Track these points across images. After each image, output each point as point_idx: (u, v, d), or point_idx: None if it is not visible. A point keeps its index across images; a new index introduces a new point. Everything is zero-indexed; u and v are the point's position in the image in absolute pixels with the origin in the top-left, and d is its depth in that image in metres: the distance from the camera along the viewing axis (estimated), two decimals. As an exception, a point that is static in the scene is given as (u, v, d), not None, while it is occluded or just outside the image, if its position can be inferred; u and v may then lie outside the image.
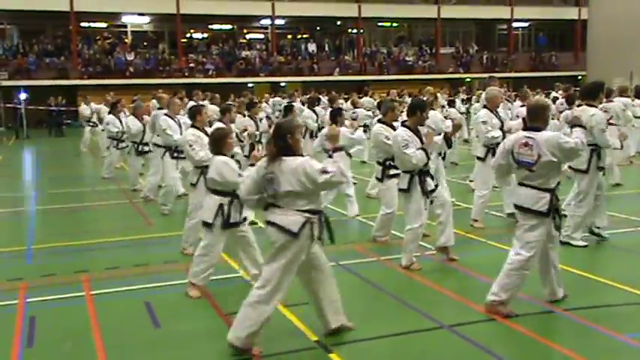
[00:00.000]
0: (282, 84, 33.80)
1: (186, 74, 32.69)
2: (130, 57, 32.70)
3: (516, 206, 5.34)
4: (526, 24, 42.49)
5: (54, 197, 11.99)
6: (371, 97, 21.50)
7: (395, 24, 40.39)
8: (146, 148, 11.43)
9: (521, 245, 5.23)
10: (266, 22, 36.28)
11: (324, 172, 4.46)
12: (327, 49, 37.63)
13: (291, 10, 34.88)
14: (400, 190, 6.68)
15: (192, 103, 14.65)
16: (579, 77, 38.23)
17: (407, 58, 37.86)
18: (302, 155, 4.65)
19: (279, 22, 36.23)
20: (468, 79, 38.22)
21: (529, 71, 38.58)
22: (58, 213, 10.66)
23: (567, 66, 40.14)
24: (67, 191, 12.63)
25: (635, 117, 13.49)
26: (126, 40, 34.65)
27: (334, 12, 36.14)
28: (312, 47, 36.91)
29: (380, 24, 39.67)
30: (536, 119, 5.33)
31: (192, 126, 7.21)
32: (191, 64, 33.43)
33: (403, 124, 6.65)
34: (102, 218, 10.39)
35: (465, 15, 38.54)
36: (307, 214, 4.56)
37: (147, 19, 35.19)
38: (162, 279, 6.58)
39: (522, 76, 36.99)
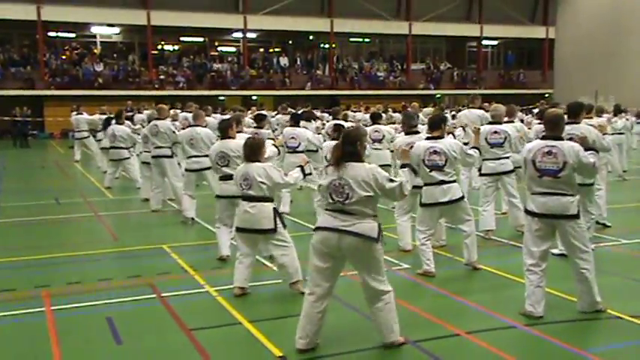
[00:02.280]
0: (254, 97, 33.76)
1: (157, 86, 32.43)
2: (99, 68, 32.34)
3: (552, 215, 5.43)
4: (495, 42, 43.23)
5: (14, 210, 11.63)
6: (358, 111, 21.32)
7: (367, 39, 40.74)
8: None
9: (583, 247, 5.46)
10: (238, 35, 36.26)
11: (391, 180, 4.72)
12: (299, 63, 37.74)
13: (263, 23, 34.94)
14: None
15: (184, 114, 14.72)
16: (546, 95, 38.94)
17: (378, 74, 38.17)
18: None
19: (250, 35, 36.24)
20: (439, 96, 38.69)
21: (498, 88, 39.17)
22: (19, 226, 10.36)
23: (535, 84, 40.91)
24: (28, 204, 12.33)
25: (616, 133, 14.06)
26: (95, 51, 34.27)
27: (306, 26, 36.30)
28: (284, 61, 36.97)
29: (352, 39, 39.96)
30: (555, 128, 5.53)
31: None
32: (161, 76, 33.20)
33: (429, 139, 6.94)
34: (65, 232, 10.12)
35: (435, 32, 39.03)
36: (377, 219, 4.74)
37: (117, 29, 34.89)
38: (125, 294, 6.45)
39: (492, 92, 37.47)
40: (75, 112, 19.23)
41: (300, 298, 6.26)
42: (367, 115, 18.94)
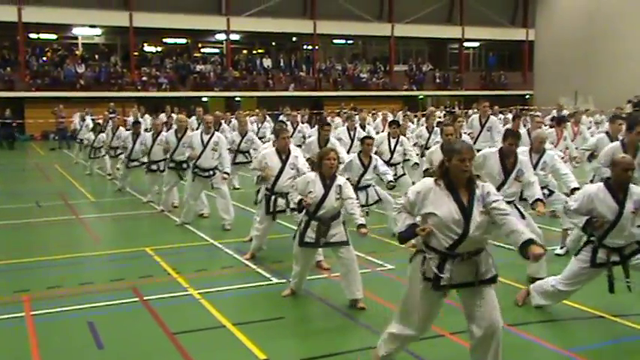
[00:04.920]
0: (237, 99, 33.67)
1: (139, 87, 32.21)
2: (81, 69, 32.05)
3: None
4: (476, 44, 43.53)
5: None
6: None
7: (350, 41, 40.83)
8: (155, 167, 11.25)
9: None
10: (221, 36, 36.16)
11: None
12: (282, 64, 37.71)
13: (247, 25, 34.87)
14: None
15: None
16: (527, 96, 39.31)
17: (361, 75, 38.26)
18: None
19: (234, 37, 36.15)
20: (421, 97, 38.88)
21: (480, 89, 39.45)
22: None
23: (516, 85, 41.25)
24: (9, 207, 12.15)
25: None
26: (76, 52, 33.96)
27: (290, 28, 36.28)
28: (267, 62, 36.93)
29: (335, 41, 40.03)
30: None
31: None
32: (144, 78, 32.98)
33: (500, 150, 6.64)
34: (46, 235, 9.98)
35: (417, 34, 39.22)
36: None
37: (99, 31, 34.62)
38: (107, 298, 6.37)
39: (473, 94, 37.81)
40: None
41: (283, 300, 6.25)
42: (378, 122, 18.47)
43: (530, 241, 3.84)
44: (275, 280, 6.90)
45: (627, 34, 29.33)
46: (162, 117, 19.12)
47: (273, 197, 7.40)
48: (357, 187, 8.08)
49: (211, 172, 9.49)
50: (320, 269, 7.07)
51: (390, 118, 17.96)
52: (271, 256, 7.79)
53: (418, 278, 4.14)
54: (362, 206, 7.96)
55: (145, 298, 6.32)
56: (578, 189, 6.48)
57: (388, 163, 9.64)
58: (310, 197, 5.89)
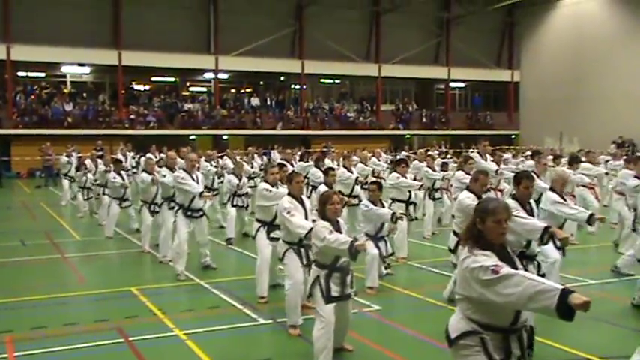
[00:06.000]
0: (225, 137, 33.80)
1: (127, 126, 32.27)
2: (69, 107, 32.09)
3: None
4: (462, 84, 44.23)
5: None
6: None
7: (337, 80, 41.33)
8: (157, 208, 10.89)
9: None
10: (209, 75, 36.48)
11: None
12: (270, 103, 38.02)
13: (235, 64, 35.24)
14: None
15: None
16: (513, 136, 39.81)
17: (349, 114, 38.63)
18: None
19: (222, 75, 36.50)
20: (408, 136, 39.26)
21: (466, 129, 39.92)
22: (-16, 268, 10.13)
23: (501, 125, 41.80)
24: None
25: None
26: (65, 90, 34.06)
27: (278, 67, 36.72)
28: (255, 101, 37.21)
29: (322, 80, 40.50)
30: None
31: (288, 194, 6.70)
32: (132, 116, 33.08)
33: (513, 197, 6.24)
34: (30, 274, 9.86)
35: (404, 74, 39.80)
36: None
37: (87, 69, 34.81)
38: (92, 338, 6.29)
39: (459, 134, 38.25)
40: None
41: (270, 341, 6.22)
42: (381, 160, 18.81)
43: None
44: (261, 321, 6.87)
45: (611, 75, 29.94)
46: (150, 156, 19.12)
47: (302, 249, 6.52)
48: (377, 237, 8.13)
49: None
50: (305, 309, 6.94)
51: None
52: (257, 296, 7.73)
53: None
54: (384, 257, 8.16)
55: (130, 338, 6.27)
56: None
57: (407, 201, 10.39)
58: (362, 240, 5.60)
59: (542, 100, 34.13)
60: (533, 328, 3.68)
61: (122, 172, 12.92)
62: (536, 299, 3.14)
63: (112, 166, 13.39)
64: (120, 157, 17.94)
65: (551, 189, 6.93)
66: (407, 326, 6.70)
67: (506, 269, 3.31)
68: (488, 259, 3.40)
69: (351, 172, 11.54)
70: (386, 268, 8.71)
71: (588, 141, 26.13)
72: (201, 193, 8.94)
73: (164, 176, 10.18)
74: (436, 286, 8.04)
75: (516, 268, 3.45)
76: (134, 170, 19.07)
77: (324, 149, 22.13)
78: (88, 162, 16.65)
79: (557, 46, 33.80)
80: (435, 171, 12.55)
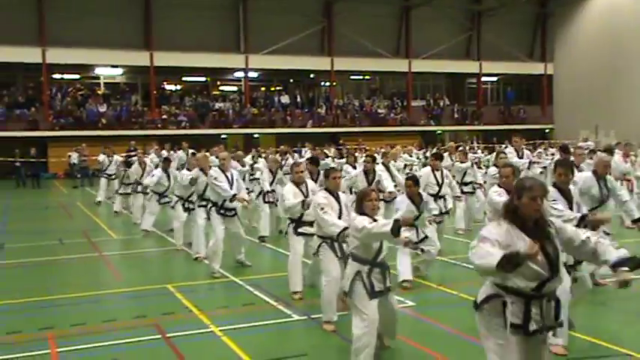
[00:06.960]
0: (255, 135, 33.99)
1: (159, 126, 32.69)
2: (102, 108, 32.64)
3: None
4: (494, 78, 43.68)
5: (17, 251, 11.57)
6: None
7: (367, 77, 41.19)
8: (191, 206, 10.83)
9: None
10: (239, 74, 36.70)
11: None
12: (300, 101, 38.07)
13: (265, 63, 35.40)
14: None
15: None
16: (547, 130, 39.18)
17: (379, 111, 38.46)
18: None
19: (252, 74, 36.69)
20: (439, 132, 38.92)
21: (498, 124, 39.41)
22: (22, 268, 10.32)
23: (535, 119, 41.16)
24: (32, 245, 12.29)
25: None
26: (98, 92, 34.64)
27: (307, 65, 36.76)
28: (285, 99, 37.31)
29: (352, 77, 40.42)
30: None
31: (325, 189, 6.68)
32: (164, 116, 33.48)
33: (554, 184, 6.26)
34: (69, 272, 10.10)
35: (435, 69, 39.48)
36: None
37: (120, 70, 35.36)
38: (130, 335, 6.40)
39: (492, 128, 37.78)
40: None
41: (305, 337, 6.23)
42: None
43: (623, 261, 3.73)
44: (296, 317, 6.88)
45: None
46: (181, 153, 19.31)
47: (336, 244, 6.49)
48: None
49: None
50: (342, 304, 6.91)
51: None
52: (290, 292, 7.73)
53: (498, 328, 3.75)
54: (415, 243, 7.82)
55: (167, 335, 6.34)
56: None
57: (437, 195, 9.95)
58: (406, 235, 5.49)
59: (577, 93, 33.52)
60: (560, 301, 3.85)
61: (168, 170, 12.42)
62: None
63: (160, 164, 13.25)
64: (166, 155, 17.79)
65: (554, 184, 6.86)
66: (443, 323, 6.64)
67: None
68: (496, 238, 3.67)
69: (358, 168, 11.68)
70: (421, 251, 8.42)
71: (626, 134, 25.49)
72: (234, 195, 8.92)
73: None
74: (471, 283, 7.92)
75: (554, 247, 3.73)
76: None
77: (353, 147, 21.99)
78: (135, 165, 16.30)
79: (591, 38, 33.15)
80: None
